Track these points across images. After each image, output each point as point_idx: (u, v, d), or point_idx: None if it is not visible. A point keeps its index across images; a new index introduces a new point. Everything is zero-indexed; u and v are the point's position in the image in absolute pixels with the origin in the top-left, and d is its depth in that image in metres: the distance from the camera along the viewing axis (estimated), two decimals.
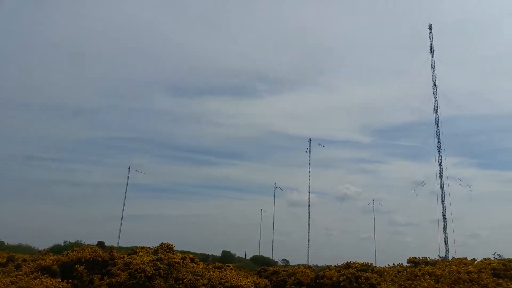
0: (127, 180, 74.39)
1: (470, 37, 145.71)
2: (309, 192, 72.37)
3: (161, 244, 29.43)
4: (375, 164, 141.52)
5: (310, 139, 75.61)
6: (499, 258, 29.65)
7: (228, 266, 33.19)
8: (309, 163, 72.92)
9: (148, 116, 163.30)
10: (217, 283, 22.65)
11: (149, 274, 23.09)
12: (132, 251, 28.62)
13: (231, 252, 78.68)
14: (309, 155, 73.18)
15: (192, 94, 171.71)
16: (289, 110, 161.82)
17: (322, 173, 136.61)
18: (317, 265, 48.93)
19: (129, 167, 77.95)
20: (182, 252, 33.71)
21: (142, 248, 29.35)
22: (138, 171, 79.25)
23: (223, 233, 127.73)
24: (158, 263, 24.75)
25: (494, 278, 23.90)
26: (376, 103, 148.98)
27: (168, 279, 23.98)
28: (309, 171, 72.43)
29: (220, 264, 33.81)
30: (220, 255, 73.20)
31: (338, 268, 30.98)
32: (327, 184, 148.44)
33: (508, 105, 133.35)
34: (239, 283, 23.51)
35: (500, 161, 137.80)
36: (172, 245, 29.48)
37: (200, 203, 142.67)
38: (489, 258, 28.93)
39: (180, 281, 23.21)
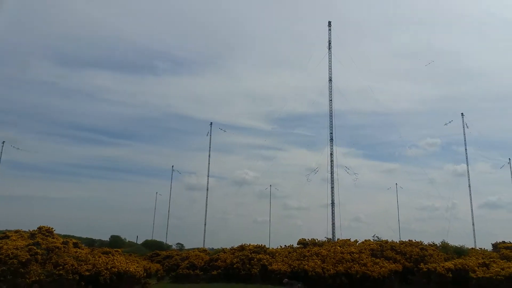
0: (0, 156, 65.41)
1: (365, 37, 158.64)
2: (208, 176, 71.96)
3: (39, 228, 26.29)
4: (274, 151, 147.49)
5: (211, 123, 74.89)
6: (377, 239, 32.93)
7: (116, 251, 31.17)
8: (209, 147, 72.31)
9: (33, 87, 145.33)
10: (102, 268, 20.83)
11: (23, 260, 20.35)
12: (3, 235, 25.11)
13: (121, 236, 74.95)
14: (210, 139, 72.56)
15: (82, 66, 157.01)
16: (191, 92, 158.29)
17: (222, 158, 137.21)
18: (212, 249, 49.08)
19: (3, 141, 68.68)
20: (65, 236, 30.64)
21: (16, 231, 26.00)
22: (13, 147, 70.16)
23: (113, 218, 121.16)
24: (35, 248, 21.99)
25: (372, 258, 26.42)
26: (277, 93, 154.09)
27: (47, 265, 21.44)
28: (209, 155, 71.85)
29: (108, 249, 31.59)
30: (108, 240, 69.01)
31: (233, 250, 31.23)
32: (226, 169, 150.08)
33: (391, 103, 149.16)
34: (127, 268, 21.99)
35: (382, 153, 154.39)
36: (52, 228, 26.49)
37: (88, 185, 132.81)
38: (369, 239, 32.08)
39: (61, 267, 20.85)
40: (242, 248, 30.68)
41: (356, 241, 31.77)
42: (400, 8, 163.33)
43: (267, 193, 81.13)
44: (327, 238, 39.80)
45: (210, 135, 72.67)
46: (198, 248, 40.89)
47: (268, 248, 32.18)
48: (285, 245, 33.30)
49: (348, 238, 33.50)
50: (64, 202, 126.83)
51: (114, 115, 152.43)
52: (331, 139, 55.62)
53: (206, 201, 68.53)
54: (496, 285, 23.50)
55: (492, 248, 39.91)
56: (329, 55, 59.99)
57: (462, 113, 70.54)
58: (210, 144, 72.23)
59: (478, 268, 25.29)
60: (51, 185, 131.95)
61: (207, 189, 69.91)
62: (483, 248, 38.18)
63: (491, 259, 28.24)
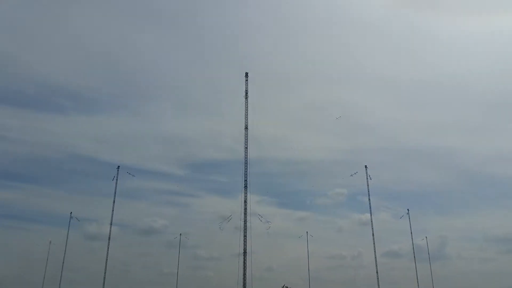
0: None
1: (280, 88, 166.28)
2: (110, 224, 65.80)
3: None
4: (187, 197, 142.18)
5: (118, 166, 70.00)
6: None
7: None
8: (115, 193, 66.95)
9: None
10: None
11: None
12: None
13: None
14: (116, 183, 67.29)
15: None
16: (99, 133, 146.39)
17: (129, 204, 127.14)
18: None
19: None
20: None
21: None
22: None
23: None
24: None
25: None
26: (193, 138, 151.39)
27: None
28: (114, 201, 66.28)
29: None
30: None
31: None
32: (132, 216, 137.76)
33: (303, 153, 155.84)
34: None
35: (294, 202, 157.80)
36: None
37: None
38: None
39: None
40: None
41: None
42: (315, 63, 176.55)
43: (176, 243, 76.45)
44: None
45: (117, 180, 67.53)
46: None
47: None
48: None
49: None
50: None
51: (9, 154, 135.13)
52: (245, 186, 55.25)
53: (107, 251, 62.18)
54: None
55: None
56: (245, 104, 61.47)
57: (365, 166, 75.57)
58: (115, 189, 66.97)
59: None
60: None
61: (109, 238, 63.73)
62: None
63: None
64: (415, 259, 74.87)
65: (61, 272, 65.90)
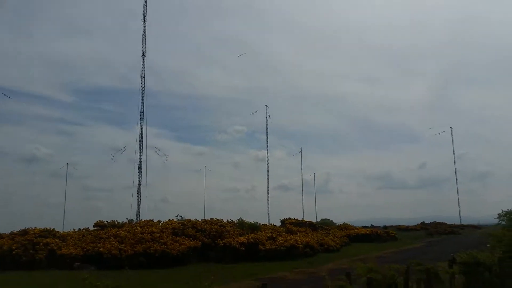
0: None
1: (184, 17, 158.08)
2: None
3: None
4: (75, 126, 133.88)
5: None
6: (181, 219, 33.57)
7: None
8: None
9: None
10: None
11: None
12: None
13: None
14: None
15: None
16: None
17: (6, 129, 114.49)
18: None
19: None
20: None
21: None
22: None
23: None
24: None
25: (173, 236, 26.70)
26: (82, 61, 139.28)
27: None
28: None
29: None
30: None
31: (13, 235, 26.76)
32: (12, 143, 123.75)
33: (205, 89, 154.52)
34: None
35: (194, 137, 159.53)
36: None
37: None
38: (172, 219, 32.39)
39: None
40: (25, 232, 26.64)
41: (159, 221, 31.68)
42: None
43: (63, 173, 72.49)
44: (128, 220, 38.52)
45: None
46: None
47: (59, 231, 28.88)
48: (79, 228, 30.56)
49: (151, 219, 33.18)
50: None
51: None
52: (142, 118, 53.58)
53: None
54: (279, 254, 27.12)
55: (280, 224, 46.23)
56: (143, 29, 56.11)
57: (266, 105, 78.80)
58: None
59: (266, 241, 28.66)
60: None
61: None
62: (273, 224, 43.76)
63: (278, 233, 32.52)
64: (302, 192, 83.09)
65: None
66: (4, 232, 28.44)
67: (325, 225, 52.65)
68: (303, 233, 36.73)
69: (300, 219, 51.26)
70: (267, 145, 76.11)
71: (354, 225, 59.52)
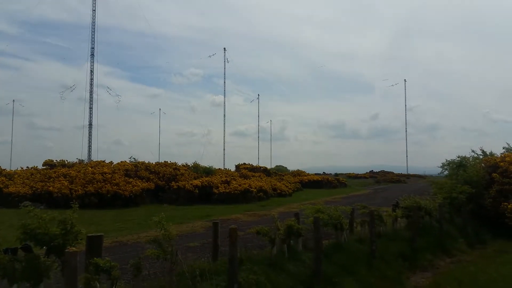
0: None
1: None
2: None
3: None
4: (20, 60, 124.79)
5: None
6: (134, 161, 33.11)
7: None
8: None
9: None
10: None
11: None
12: None
13: None
14: None
15: None
16: None
17: None
18: None
19: None
20: None
21: None
22: None
23: None
24: None
25: (126, 178, 26.43)
26: None
27: None
28: None
29: None
30: None
31: None
32: None
33: (159, 26, 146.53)
34: None
35: (148, 78, 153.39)
36: None
37: None
38: (125, 161, 31.91)
39: None
40: None
41: (111, 162, 31.11)
42: None
43: (8, 110, 68.48)
44: (79, 160, 37.48)
45: None
46: None
47: (6, 169, 27.66)
48: (27, 167, 29.41)
49: (103, 160, 32.49)
50: None
51: None
52: (92, 55, 50.47)
53: None
54: (233, 198, 27.79)
55: (235, 168, 47.05)
56: None
57: (224, 48, 75.93)
58: None
59: (221, 184, 29.13)
60: None
61: None
62: (228, 169, 44.46)
63: (232, 177, 33.12)
64: (258, 139, 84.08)
65: None
66: None
67: (279, 171, 54.21)
68: (257, 178, 37.65)
69: (255, 164, 52.35)
70: (224, 90, 74.71)
71: (307, 172, 61.74)
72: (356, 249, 9.79)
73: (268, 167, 57.19)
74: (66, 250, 4.25)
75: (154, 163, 31.95)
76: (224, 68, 73.31)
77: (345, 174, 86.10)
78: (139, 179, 26.76)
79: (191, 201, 26.59)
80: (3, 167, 27.64)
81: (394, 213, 13.68)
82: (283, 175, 48.75)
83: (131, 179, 26.19)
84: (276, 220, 7.98)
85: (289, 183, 41.53)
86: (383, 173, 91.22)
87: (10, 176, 25.64)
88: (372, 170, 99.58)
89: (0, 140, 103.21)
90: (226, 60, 73.40)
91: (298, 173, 56.53)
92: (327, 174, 76.34)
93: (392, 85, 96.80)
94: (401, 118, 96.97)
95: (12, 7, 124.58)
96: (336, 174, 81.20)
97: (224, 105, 72.86)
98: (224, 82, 73.71)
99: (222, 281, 5.83)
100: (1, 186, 23.80)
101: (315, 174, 68.30)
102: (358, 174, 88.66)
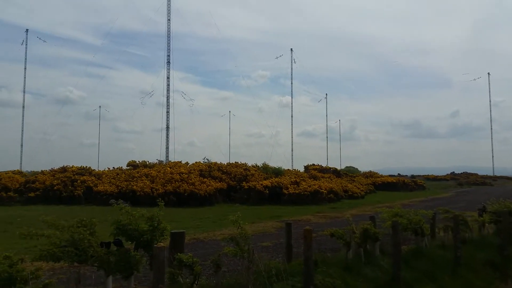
0: None
1: None
2: (24, 91, 61.53)
3: None
4: (104, 69, 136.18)
5: (27, 30, 62.64)
6: (207, 161, 34.50)
7: None
8: (25, 59, 60.81)
9: None
10: None
11: None
12: None
13: None
14: (26, 49, 60.69)
15: None
16: None
17: (41, 72, 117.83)
18: (31, 171, 43.97)
19: None
20: None
21: None
22: None
23: None
24: None
25: (201, 178, 27.61)
26: (108, 3, 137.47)
27: None
28: (25, 68, 60.58)
29: None
30: None
31: (53, 172, 28.44)
32: (46, 85, 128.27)
33: (228, 31, 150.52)
34: None
35: (218, 81, 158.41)
36: None
37: None
38: (199, 161, 33.37)
39: None
40: (64, 169, 28.19)
41: (187, 163, 32.67)
42: None
43: (95, 115, 74.65)
44: (159, 160, 39.86)
45: (26, 45, 60.77)
46: (12, 171, 35.92)
47: (95, 170, 30.38)
48: (113, 167, 32.02)
49: (180, 161, 34.24)
50: None
51: None
52: (168, 62, 53.32)
53: (23, 119, 59.03)
54: (303, 199, 27.68)
55: (304, 169, 46.75)
56: None
57: (291, 49, 75.56)
58: (26, 55, 60.80)
59: (290, 185, 29.18)
60: None
61: (23, 106, 60.19)
62: (296, 169, 44.34)
63: (302, 178, 32.99)
64: (327, 139, 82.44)
65: None
66: (45, 169, 30.24)
67: (349, 173, 52.79)
68: (327, 179, 37.06)
69: (324, 165, 51.53)
70: (292, 91, 74.35)
71: (380, 174, 59.34)
72: (439, 255, 9.20)
73: (338, 168, 55.95)
74: (155, 245, 4.57)
75: (225, 163, 32.98)
76: (291, 68, 73.15)
77: (423, 175, 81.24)
78: (212, 179, 27.79)
79: (261, 201, 26.97)
80: (92, 168, 30.48)
81: (481, 218, 12.62)
82: (354, 177, 47.41)
83: (205, 179, 27.29)
84: (351, 223, 7.81)
85: (361, 184, 40.27)
86: (466, 174, 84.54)
87: (98, 176, 28.13)
88: (454, 172, 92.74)
89: (89, 142, 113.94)
90: (293, 61, 73.15)
91: (370, 174, 54.59)
92: (402, 176, 72.67)
93: (474, 79, 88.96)
94: (484, 114, 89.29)
95: (96, 21, 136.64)
96: (412, 176, 77.00)
97: (292, 106, 72.70)
98: (291, 83, 73.55)
99: (298, 283, 5.85)
100: (91, 185, 26.19)
101: (389, 175, 65.41)
102: (437, 176, 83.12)
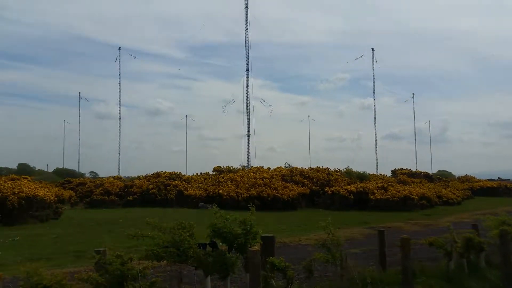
0: None
1: None
2: (119, 104, 67.76)
3: None
4: (189, 80, 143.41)
5: (119, 48, 68.87)
6: (288, 166, 34.63)
7: (25, 178, 29.06)
8: (119, 74, 67.02)
9: None
10: (9, 193, 19.13)
11: None
12: None
13: (30, 165, 70.07)
14: (119, 65, 66.80)
15: None
16: (94, 12, 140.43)
17: (133, 86, 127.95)
18: (128, 177, 48.22)
19: None
20: None
21: None
22: None
23: (18, 146, 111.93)
24: None
25: (283, 182, 27.81)
26: (189, 18, 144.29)
27: None
28: (119, 83, 66.48)
29: (15, 176, 29.33)
30: (16, 168, 63.96)
31: (148, 177, 30.85)
32: (138, 98, 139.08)
33: (305, 36, 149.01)
34: (36, 193, 20.55)
35: (296, 86, 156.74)
36: None
37: None
38: (280, 166, 33.65)
39: None
40: (157, 175, 30.40)
41: (268, 168, 33.17)
42: None
43: (182, 124, 79.54)
44: (242, 166, 40.97)
45: (119, 61, 66.90)
46: (112, 176, 39.76)
47: (184, 175, 32.29)
48: (200, 172, 33.70)
49: (262, 166, 34.90)
50: None
51: (9, 35, 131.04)
52: (247, 70, 54.77)
53: (119, 130, 65.25)
54: (391, 205, 26.36)
55: (391, 174, 44.50)
56: None
57: (372, 48, 72.43)
58: (119, 70, 66.94)
59: (377, 191, 27.98)
60: None
61: (119, 118, 66.31)
62: (383, 174, 42.33)
63: (389, 183, 31.43)
64: (415, 142, 77.23)
65: (78, 148, 69.71)
66: (140, 174, 32.97)
67: (443, 177, 49.10)
68: (418, 184, 34.83)
69: (413, 170, 48.55)
70: (374, 92, 71.47)
71: (477, 178, 54.11)
72: None
73: (429, 172, 52.29)
74: (250, 248, 4.70)
75: (307, 168, 32.77)
76: (373, 69, 70.51)
77: None
78: (294, 184, 27.83)
79: (346, 206, 26.25)
80: (182, 173, 32.50)
81: None
82: (448, 181, 43.95)
83: (287, 184, 27.43)
84: (452, 231, 7.22)
85: (457, 190, 37.15)
86: None
87: (188, 180, 29.89)
88: None
89: (177, 149, 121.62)
90: (374, 61, 70.47)
91: (466, 178, 50.11)
92: (504, 180, 65.47)
93: None
94: None
95: (180, 36, 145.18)
96: None
97: (374, 108, 70.02)
98: (374, 84, 70.87)
99: None
100: (182, 189, 27.88)
101: (488, 179, 59.35)
102: None
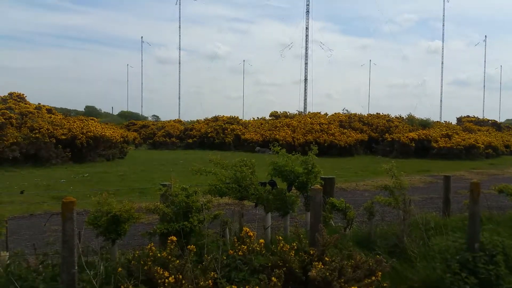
0: None
1: None
2: (179, 49, 68.33)
3: (10, 94, 25.42)
4: (247, 24, 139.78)
5: None
6: (346, 112, 33.74)
7: (92, 119, 31.12)
8: (179, 18, 66.50)
9: None
10: (78, 132, 20.59)
11: None
12: None
13: (96, 107, 74.77)
14: (179, 8, 66.24)
15: None
16: None
17: (192, 30, 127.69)
18: (188, 121, 49.95)
19: None
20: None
21: None
22: None
23: (85, 89, 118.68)
24: (8, 112, 21.47)
25: (340, 128, 27.32)
26: None
27: (22, 128, 21.21)
28: (179, 27, 66.43)
29: (83, 117, 31.52)
30: (83, 110, 68.47)
31: (207, 121, 31.73)
32: (197, 42, 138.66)
33: None
34: (103, 133, 22.01)
35: (358, 28, 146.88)
36: (23, 94, 25.74)
37: (48, 54, 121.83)
38: (338, 112, 32.88)
39: (36, 131, 20.70)
40: (216, 119, 31.14)
41: (326, 114, 32.52)
42: None
43: (240, 69, 78.94)
44: (299, 111, 40.56)
45: (180, 4, 66.37)
46: (173, 120, 41.35)
47: (241, 119, 32.76)
48: (257, 117, 33.96)
49: (319, 111, 34.32)
50: (29, 72, 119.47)
51: None
52: (307, 12, 51.98)
53: (179, 74, 66.22)
54: (454, 154, 25.12)
55: (456, 121, 41.87)
56: None
57: None
58: (180, 14, 66.49)
59: (440, 138, 26.66)
60: (7, 54, 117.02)
61: (179, 63, 67.16)
62: (448, 122, 39.94)
63: (454, 131, 29.74)
64: (484, 88, 71.11)
65: (141, 92, 72.88)
66: (199, 118, 33.99)
67: None
68: (485, 132, 32.64)
69: (480, 117, 45.27)
70: (443, 34, 65.67)
71: None
72: None
73: (497, 120, 48.54)
74: (312, 187, 4.72)
75: (366, 114, 31.77)
76: (444, 9, 64.26)
77: None
78: (352, 130, 27.24)
79: (406, 154, 25.39)
80: (239, 118, 33.01)
81: None
82: None
83: (345, 130, 26.91)
84: None
85: None
86: None
87: (245, 125, 30.35)
88: None
89: (235, 95, 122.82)
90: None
91: None
92: None
93: None
94: None
95: None
96: None
97: (442, 51, 64.84)
98: (443, 25, 65.05)
99: (460, 238, 5.40)
100: (239, 133, 28.45)
101: None
102: None
